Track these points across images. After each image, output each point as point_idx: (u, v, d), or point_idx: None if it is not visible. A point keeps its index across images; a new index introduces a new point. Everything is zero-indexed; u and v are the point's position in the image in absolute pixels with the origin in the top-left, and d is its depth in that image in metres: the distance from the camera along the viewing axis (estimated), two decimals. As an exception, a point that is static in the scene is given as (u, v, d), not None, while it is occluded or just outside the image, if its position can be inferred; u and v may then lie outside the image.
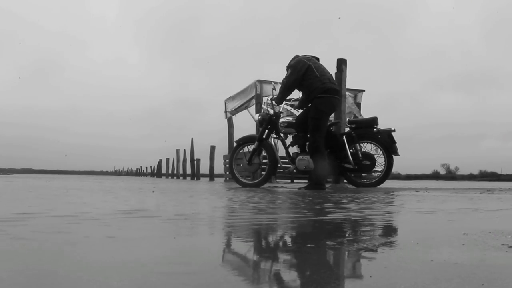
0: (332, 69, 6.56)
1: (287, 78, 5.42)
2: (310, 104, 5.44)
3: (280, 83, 5.75)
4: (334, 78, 6.45)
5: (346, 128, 6.24)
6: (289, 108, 5.95)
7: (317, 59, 5.60)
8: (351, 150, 5.75)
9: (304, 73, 5.29)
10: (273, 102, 5.74)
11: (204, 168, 18.93)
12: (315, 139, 5.32)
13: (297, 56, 5.60)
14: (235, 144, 6.44)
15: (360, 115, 9.83)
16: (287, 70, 5.53)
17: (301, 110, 5.76)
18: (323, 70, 5.40)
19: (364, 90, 10.60)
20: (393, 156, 5.77)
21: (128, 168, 70.53)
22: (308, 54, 5.60)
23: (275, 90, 5.97)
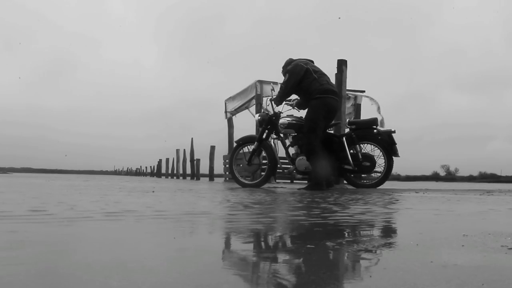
0: (331, 71, 6.57)
1: (285, 83, 5.43)
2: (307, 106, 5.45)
3: (279, 83, 5.76)
4: (334, 79, 6.47)
5: (346, 129, 6.24)
6: (289, 108, 5.95)
7: (312, 61, 5.62)
8: (351, 151, 5.75)
9: (302, 76, 5.30)
10: (272, 102, 5.75)
11: (204, 168, 18.97)
12: (310, 141, 5.31)
13: (291, 59, 5.62)
14: (235, 144, 6.44)
15: (373, 101, 9.75)
16: (284, 75, 5.54)
17: (301, 111, 5.77)
18: (320, 73, 5.41)
19: (364, 91, 10.60)
20: (393, 157, 5.77)
21: (128, 168, 70.62)
22: (303, 58, 5.61)
23: (274, 90, 5.98)
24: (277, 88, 6.13)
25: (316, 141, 5.31)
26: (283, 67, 5.65)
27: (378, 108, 9.66)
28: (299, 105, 5.72)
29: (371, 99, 9.87)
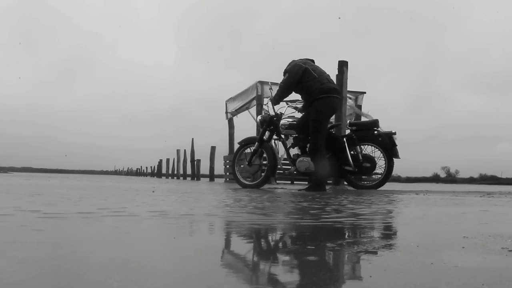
0: (333, 71, 6.57)
1: (284, 82, 5.46)
2: (310, 107, 5.46)
3: (278, 83, 5.78)
4: (335, 80, 6.48)
5: (347, 131, 6.24)
6: (293, 110, 5.96)
7: (313, 61, 5.63)
8: (352, 153, 5.75)
9: (301, 76, 5.31)
10: (270, 102, 5.77)
11: (204, 168, 19.00)
12: (316, 141, 5.32)
13: (293, 61, 5.63)
14: (237, 145, 6.46)
15: (363, 114, 9.79)
16: (284, 74, 5.56)
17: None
18: (320, 71, 5.42)
19: (365, 92, 10.60)
20: (393, 159, 5.78)
21: (128, 168, 70.68)
22: (303, 58, 5.63)
23: (272, 90, 5.99)
24: (275, 88, 6.14)
25: (321, 141, 5.31)
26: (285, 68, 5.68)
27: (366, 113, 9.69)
28: (303, 109, 5.74)
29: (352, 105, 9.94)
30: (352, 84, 7.27)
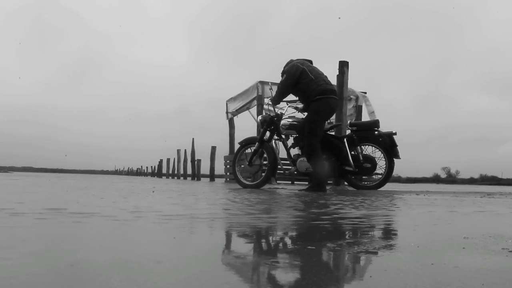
0: (330, 72, 6.56)
1: (282, 83, 5.48)
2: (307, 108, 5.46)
3: (277, 83, 5.79)
4: (335, 80, 6.47)
5: (347, 131, 6.24)
6: (293, 110, 5.96)
7: (310, 62, 5.62)
8: (352, 153, 5.75)
9: (298, 77, 5.31)
10: (270, 102, 5.78)
11: (205, 168, 18.98)
12: (311, 142, 5.32)
13: (291, 60, 5.63)
14: (238, 145, 6.46)
15: (374, 116, 9.69)
16: (282, 75, 5.56)
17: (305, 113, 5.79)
18: (317, 72, 5.41)
19: (365, 93, 10.59)
20: (394, 159, 5.77)
21: (128, 168, 70.77)
22: (301, 58, 5.63)
23: (272, 90, 6.00)
24: (275, 88, 6.16)
25: (316, 143, 5.31)
26: (283, 68, 5.67)
27: (372, 112, 9.58)
28: (303, 110, 5.74)
29: (366, 100, 9.84)
30: (362, 84, 7.25)
